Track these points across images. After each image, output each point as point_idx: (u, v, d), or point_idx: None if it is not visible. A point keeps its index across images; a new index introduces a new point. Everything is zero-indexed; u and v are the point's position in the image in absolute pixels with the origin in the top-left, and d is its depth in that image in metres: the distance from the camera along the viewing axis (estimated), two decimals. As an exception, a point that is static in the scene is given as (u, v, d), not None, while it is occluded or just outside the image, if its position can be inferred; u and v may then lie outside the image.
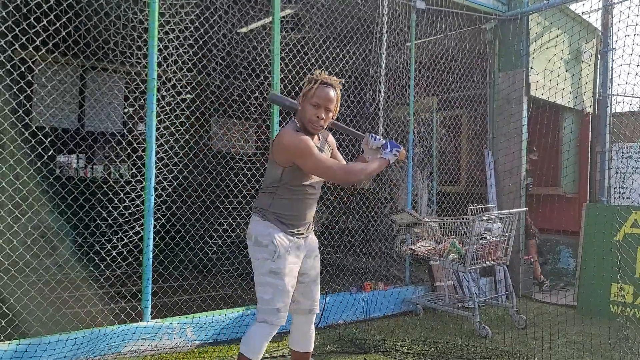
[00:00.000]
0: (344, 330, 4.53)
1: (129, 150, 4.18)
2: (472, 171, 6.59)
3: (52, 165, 7.40)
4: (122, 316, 3.89)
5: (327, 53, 5.03)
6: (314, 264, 2.85)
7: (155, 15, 3.75)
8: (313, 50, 4.94)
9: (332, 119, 2.75)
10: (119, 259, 3.79)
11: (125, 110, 7.86)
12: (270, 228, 2.65)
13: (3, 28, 3.36)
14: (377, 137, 2.80)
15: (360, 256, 5.82)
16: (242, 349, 2.65)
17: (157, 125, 3.79)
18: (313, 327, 2.91)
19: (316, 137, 2.75)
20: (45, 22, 3.54)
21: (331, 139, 2.95)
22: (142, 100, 3.91)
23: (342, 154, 3.09)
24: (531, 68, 6.14)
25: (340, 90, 2.73)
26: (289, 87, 4.71)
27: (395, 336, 4.39)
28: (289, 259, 2.65)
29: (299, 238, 2.74)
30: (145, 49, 3.79)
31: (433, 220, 5.36)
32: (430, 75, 5.88)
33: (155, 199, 3.79)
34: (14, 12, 3.54)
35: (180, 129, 4.12)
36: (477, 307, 4.59)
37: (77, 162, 9.01)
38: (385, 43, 5.13)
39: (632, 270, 4.86)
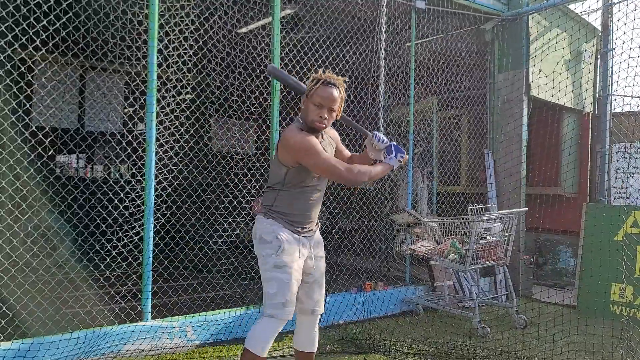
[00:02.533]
0: (344, 330, 4.53)
1: (129, 150, 4.17)
2: (472, 171, 6.59)
3: (52, 165, 7.39)
4: (122, 316, 3.89)
5: (327, 53, 5.03)
6: (317, 264, 2.83)
7: (155, 15, 3.75)
8: (313, 50, 4.94)
9: (337, 118, 2.75)
10: (119, 259, 3.79)
11: (125, 110, 7.85)
12: (274, 225, 2.66)
13: (3, 28, 3.36)
14: (382, 137, 2.81)
15: (361, 256, 5.82)
16: (248, 344, 2.65)
17: (157, 125, 3.80)
18: (317, 328, 2.92)
19: (320, 135, 2.75)
20: (45, 22, 3.54)
21: (334, 134, 2.93)
22: (142, 100, 3.90)
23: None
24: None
25: (345, 89, 2.73)
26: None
27: (395, 336, 4.39)
28: (293, 254, 2.65)
29: (304, 236, 2.74)
30: (145, 49, 3.79)
31: (433, 220, 5.37)
32: (430, 75, 5.88)
33: (155, 199, 3.79)
34: (14, 12, 3.53)
35: (180, 129, 4.12)
36: (477, 307, 4.59)
37: (77, 162, 9.01)
38: (384, 43, 5.13)
39: (633, 270, 4.86)
